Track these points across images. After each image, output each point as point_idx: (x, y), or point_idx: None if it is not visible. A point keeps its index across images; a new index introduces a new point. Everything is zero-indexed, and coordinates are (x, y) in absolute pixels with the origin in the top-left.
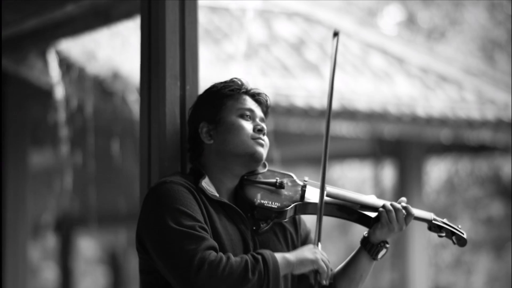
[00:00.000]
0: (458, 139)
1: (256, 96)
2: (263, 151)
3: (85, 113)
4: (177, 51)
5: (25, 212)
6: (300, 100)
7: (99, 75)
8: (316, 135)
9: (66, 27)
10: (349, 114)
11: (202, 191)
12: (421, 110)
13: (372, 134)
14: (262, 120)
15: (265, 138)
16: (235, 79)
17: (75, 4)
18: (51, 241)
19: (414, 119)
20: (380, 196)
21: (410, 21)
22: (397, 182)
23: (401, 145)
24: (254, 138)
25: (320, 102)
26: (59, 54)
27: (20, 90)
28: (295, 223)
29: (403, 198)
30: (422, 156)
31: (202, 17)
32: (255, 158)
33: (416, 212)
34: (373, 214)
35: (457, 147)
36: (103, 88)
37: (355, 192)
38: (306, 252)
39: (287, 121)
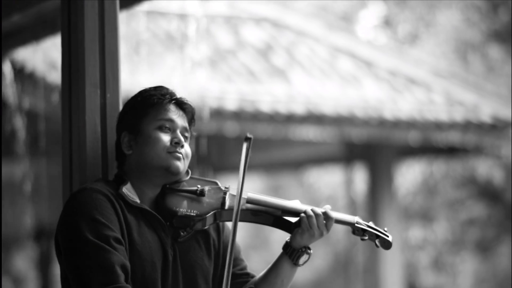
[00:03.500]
0: (427, 142)
1: (181, 105)
2: (180, 164)
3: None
4: (96, 59)
5: None
6: (266, 105)
7: (60, 84)
8: (283, 140)
9: (16, 37)
10: (315, 119)
11: (122, 198)
12: (388, 113)
13: (340, 138)
14: (185, 130)
15: (184, 149)
16: (161, 87)
17: (21, 14)
18: (33, 250)
19: (382, 122)
20: (352, 201)
21: (386, 25)
22: (369, 186)
23: (371, 148)
24: (170, 152)
25: (286, 107)
26: (14, 64)
27: None
28: (218, 229)
29: (327, 206)
30: (393, 159)
31: (167, 24)
32: (170, 171)
33: (338, 216)
34: (293, 219)
35: (427, 149)
36: None
37: (277, 197)
38: None
39: (254, 126)
